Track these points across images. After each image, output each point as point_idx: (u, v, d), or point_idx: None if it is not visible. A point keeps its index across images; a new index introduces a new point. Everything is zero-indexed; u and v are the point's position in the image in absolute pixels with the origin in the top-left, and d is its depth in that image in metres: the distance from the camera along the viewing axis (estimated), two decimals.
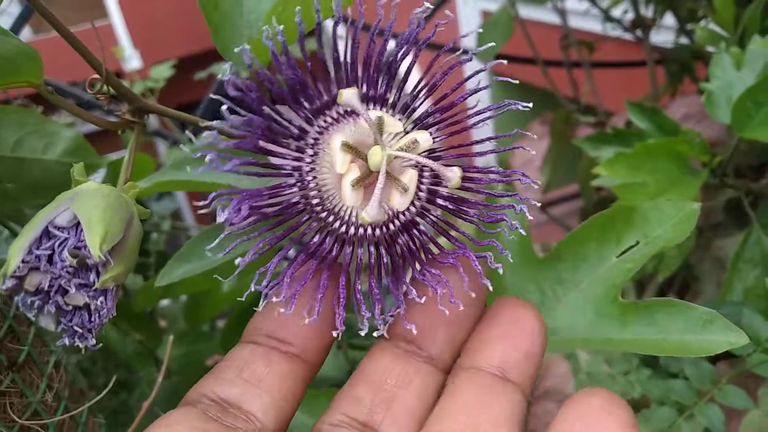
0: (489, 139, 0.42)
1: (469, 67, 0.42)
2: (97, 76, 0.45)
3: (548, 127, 1.54)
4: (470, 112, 0.41)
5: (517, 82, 0.42)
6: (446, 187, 0.41)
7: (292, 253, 0.44)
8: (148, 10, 6.28)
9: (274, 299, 0.40)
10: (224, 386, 0.40)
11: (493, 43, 0.44)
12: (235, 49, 0.40)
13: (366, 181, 0.39)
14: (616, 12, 1.66)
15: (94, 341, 0.39)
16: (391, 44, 0.41)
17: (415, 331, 0.40)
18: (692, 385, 0.77)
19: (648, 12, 1.54)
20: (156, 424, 0.37)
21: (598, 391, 0.36)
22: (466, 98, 0.41)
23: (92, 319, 0.39)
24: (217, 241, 0.40)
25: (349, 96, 0.39)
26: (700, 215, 0.51)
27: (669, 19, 1.52)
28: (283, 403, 0.41)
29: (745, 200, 1.00)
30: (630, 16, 1.58)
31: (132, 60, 5.89)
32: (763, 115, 0.83)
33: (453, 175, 0.38)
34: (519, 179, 0.41)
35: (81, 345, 0.39)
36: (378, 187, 0.37)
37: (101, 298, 0.39)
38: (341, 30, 0.40)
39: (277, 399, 0.40)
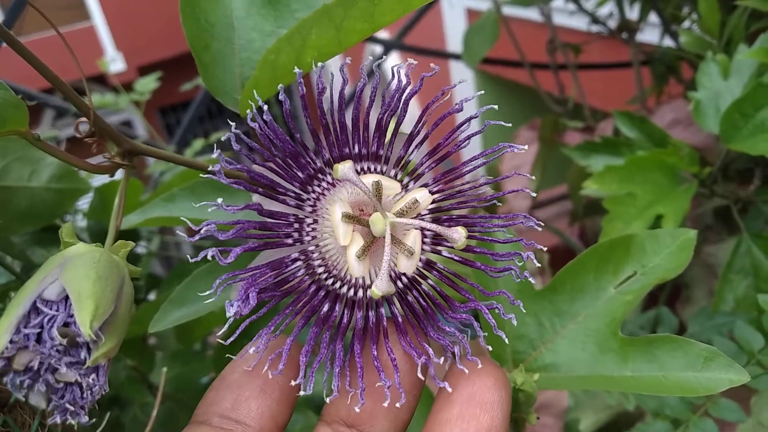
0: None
1: (458, 88, 0.41)
2: (84, 119, 0.45)
3: (536, 132, 1.54)
4: (465, 159, 0.41)
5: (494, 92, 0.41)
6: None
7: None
8: (130, 12, 6.22)
9: (252, 350, 0.39)
10: None
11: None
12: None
13: (370, 248, 0.39)
14: (603, 11, 1.66)
15: (86, 418, 0.38)
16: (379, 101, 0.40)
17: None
18: (686, 399, 0.78)
19: (633, 13, 1.54)
20: None
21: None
22: (460, 148, 0.41)
23: (84, 395, 0.38)
24: (226, 326, 0.38)
25: (345, 170, 0.38)
26: (689, 222, 0.51)
27: (654, 17, 1.52)
28: None
29: (734, 208, 1.00)
30: (615, 16, 1.58)
31: (115, 62, 5.83)
32: (751, 128, 0.83)
33: (459, 236, 0.37)
34: (521, 222, 0.40)
35: (73, 422, 0.38)
36: (385, 260, 0.36)
37: (93, 376, 0.37)
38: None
39: None
